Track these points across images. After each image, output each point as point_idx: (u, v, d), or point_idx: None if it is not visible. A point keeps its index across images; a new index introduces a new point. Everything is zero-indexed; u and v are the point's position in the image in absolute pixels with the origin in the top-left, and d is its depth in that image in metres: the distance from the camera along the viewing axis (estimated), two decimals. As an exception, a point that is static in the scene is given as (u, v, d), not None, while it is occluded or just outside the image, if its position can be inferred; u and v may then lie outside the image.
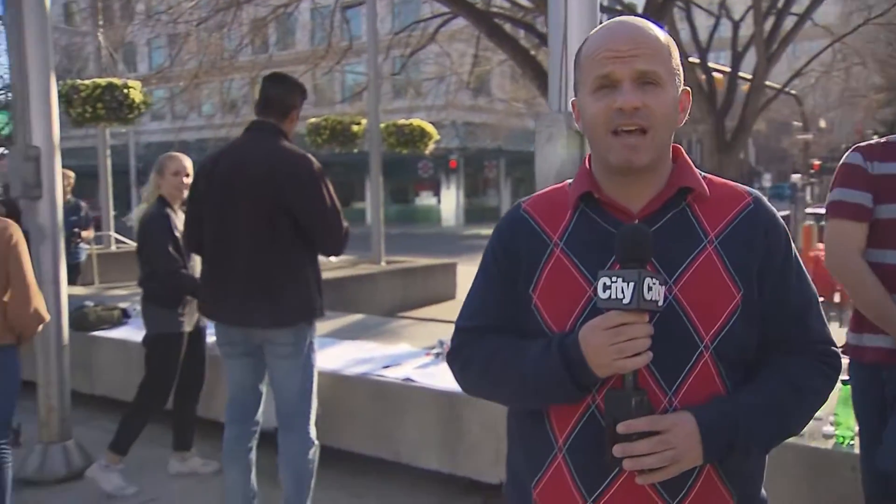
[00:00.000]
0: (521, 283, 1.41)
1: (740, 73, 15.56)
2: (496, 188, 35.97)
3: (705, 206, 1.39)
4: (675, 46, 1.41)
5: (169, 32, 17.51)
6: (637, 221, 1.36)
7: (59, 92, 8.42)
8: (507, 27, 12.71)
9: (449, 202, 34.49)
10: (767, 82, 15.79)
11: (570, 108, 1.65)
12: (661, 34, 1.37)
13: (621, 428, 1.23)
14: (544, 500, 1.39)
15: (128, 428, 4.19)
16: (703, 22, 17.91)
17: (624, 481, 1.29)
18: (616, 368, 1.25)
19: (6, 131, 22.47)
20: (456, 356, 1.49)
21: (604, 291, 1.24)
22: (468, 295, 1.52)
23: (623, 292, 1.22)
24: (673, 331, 1.30)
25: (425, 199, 35.86)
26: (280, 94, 3.39)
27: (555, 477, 1.36)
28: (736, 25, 16.33)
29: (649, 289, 1.22)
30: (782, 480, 2.97)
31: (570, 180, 1.50)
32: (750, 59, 15.23)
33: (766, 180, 44.72)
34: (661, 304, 1.24)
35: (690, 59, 14.12)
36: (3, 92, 16.75)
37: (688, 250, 1.34)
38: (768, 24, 14.48)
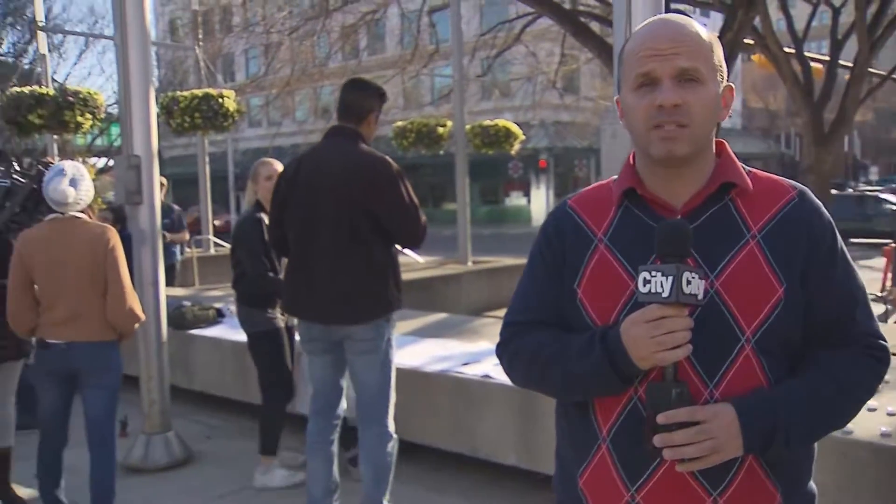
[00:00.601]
0: (567, 278, 1.46)
1: (841, 62, 14.88)
2: (586, 187, 35.62)
3: (748, 200, 1.40)
4: (718, 44, 1.42)
5: (263, 42, 18.15)
6: (680, 217, 1.38)
7: (160, 104, 8.95)
8: (594, 25, 12.61)
9: (539, 202, 34.34)
10: (872, 70, 15.03)
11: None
12: (703, 31, 1.40)
13: (661, 418, 1.26)
14: (589, 489, 1.43)
15: (266, 429, 4.38)
16: (800, 11, 17.21)
17: (666, 471, 1.33)
18: (656, 360, 1.28)
19: (119, 142, 23.87)
20: (504, 350, 1.55)
21: (644, 286, 1.28)
22: (516, 290, 1.58)
23: (662, 286, 1.25)
24: (714, 324, 1.32)
25: (515, 200, 35.83)
26: (356, 98, 3.52)
27: (599, 466, 1.41)
28: (836, 12, 15.62)
29: (688, 283, 1.25)
30: (862, 480, 2.89)
31: (615, 177, 1.54)
32: (852, 47, 14.55)
33: (873, 173, 42.45)
34: (700, 297, 1.27)
35: (785, 50, 13.60)
36: (115, 105, 17.95)
37: (730, 245, 1.36)
38: (872, 8, 13.79)
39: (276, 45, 16.83)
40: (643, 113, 1.37)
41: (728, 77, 1.44)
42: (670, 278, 1.25)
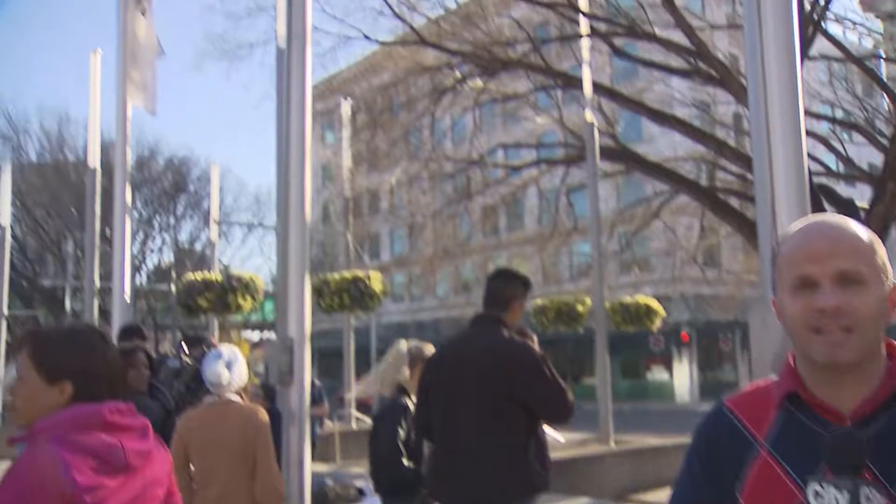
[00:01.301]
0: (726, 483, 1.39)
1: None
2: (732, 362, 33.92)
3: None
4: (880, 243, 1.39)
5: (408, 224, 19.22)
6: (849, 424, 1.31)
7: (312, 285, 9.54)
8: (732, 200, 12.55)
9: (682, 377, 32.95)
10: None
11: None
12: (863, 231, 1.37)
13: None
14: None
15: None
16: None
17: None
18: None
19: (271, 317, 25.52)
20: None
21: (815, 499, 1.20)
22: (673, 492, 1.51)
23: (838, 502, 1.17)
24: None
25: (657, 374, 34.56)
26: (500, 288, 3.63)
27: None
28: None
29: (867, 499, 1.17)
30: None
31: (774, 376, 1.48)
32: None
33: None
34: None
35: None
36: (270, 284, 19.44)
37: None
38: None
39: (420, 226, 17.77)
40: (802, 315, 1.32)
41: (885, 246, 1.39)
42: (846, 493, 1.17)
